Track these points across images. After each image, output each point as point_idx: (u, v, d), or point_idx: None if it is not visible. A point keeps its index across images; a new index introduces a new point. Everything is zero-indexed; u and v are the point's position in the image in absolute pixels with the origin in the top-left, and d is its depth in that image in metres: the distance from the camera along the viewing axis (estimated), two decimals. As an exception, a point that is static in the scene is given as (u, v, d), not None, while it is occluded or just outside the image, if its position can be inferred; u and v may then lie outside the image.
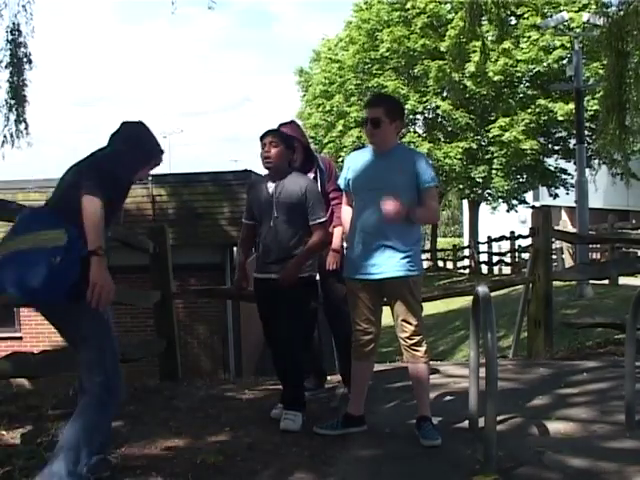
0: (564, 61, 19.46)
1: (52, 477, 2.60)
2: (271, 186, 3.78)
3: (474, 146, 21.88)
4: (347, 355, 3.97)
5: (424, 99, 22.15)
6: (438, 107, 22.01)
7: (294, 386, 3.78)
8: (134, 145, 2.89)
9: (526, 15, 20.82)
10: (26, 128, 10.76)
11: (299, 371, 3.82)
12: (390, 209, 3.29)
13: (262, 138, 3.80)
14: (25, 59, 10.47)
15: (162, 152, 3.01)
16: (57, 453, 2.65)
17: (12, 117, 10.65)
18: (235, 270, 4.18)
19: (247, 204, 3.99)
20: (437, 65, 21.15)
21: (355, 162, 3.60)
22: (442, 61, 21.20)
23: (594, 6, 18.20)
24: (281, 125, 4.09)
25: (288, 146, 3.81)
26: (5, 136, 10.68)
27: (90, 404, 2.71)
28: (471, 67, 20.39)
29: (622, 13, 8.17)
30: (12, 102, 10.54)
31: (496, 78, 20.72)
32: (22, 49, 10.45)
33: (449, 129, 22.70)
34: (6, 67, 10.36)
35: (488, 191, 23.57)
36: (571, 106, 17.77)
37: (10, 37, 10.33)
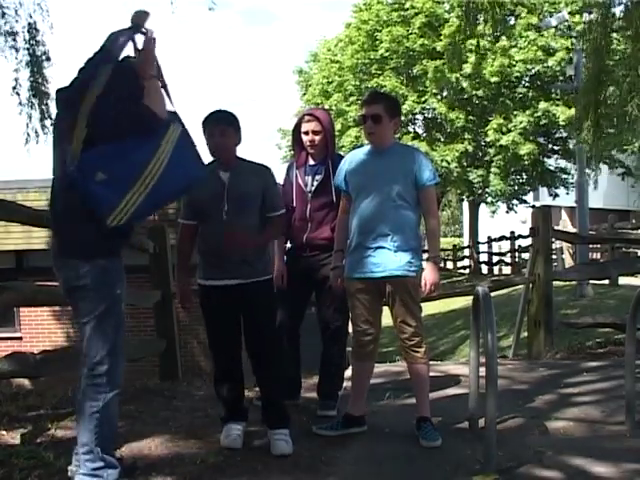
0: (566, 63, 19.41)
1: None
2: (224, 175, 3.31)
3: (470, 148, 21.86)
4: (328, 376, 3.95)
5: (423, 99, 22.15)
6: (434, 109, 22.00)
7: (280, 401, 3.42)
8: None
9: (523, 15, 20.81)
10: (52, 124, 10.79)
11: (283, 384, 3.51)
12: (431, 288, 3.39)
13: (206, 123, 3.32)
14: (44, 57, 10.47)
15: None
16: (79, 459, 2.71)
17: (35, 115, 10.65)
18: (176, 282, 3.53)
19: (186, 199, 3.39)
20: (434, 65, 21.16)
21: (353, 161, 3.59)
22: (440, 61, 21.21)
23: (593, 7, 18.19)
24: (312, 109, 4.01)
25: (237, 130, 3.35)
26: (28, 134, 10.69)
27: (88, 382, 2.70)
28: (468, 68, 20.40)
29: (604, 14, 8.16)
30: (34, 100, 10.54)
31: (493, 79, 20.69)
32: (40, 47, 10.46)
33: (448, 130, 22.70)
34: (26, 65, 10.37)
35: (487, 191, 23.56)
36: (573, 110, 17.71)
37: (28, 36, 10.33)
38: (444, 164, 21.35)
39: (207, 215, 3.31)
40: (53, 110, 10.65)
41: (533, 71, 21.45)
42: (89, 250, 2.66)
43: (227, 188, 3.27)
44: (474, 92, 21.34)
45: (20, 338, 11.14)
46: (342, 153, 4.14)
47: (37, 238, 9.60)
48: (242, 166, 3.37)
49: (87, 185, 2.50)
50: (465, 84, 21.23)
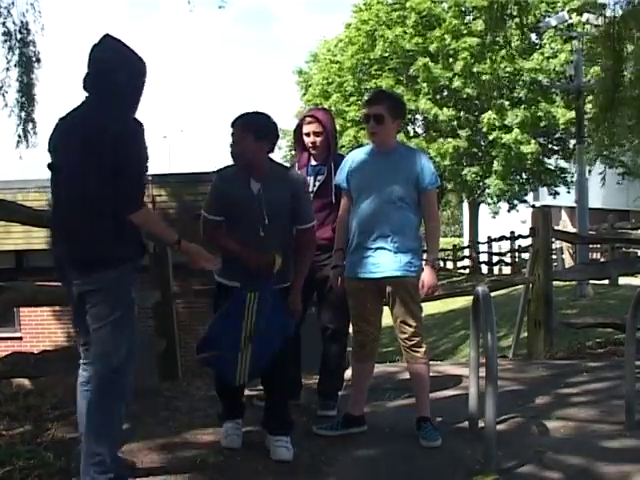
0: (567, 65, 19.42)
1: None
2: (255, 186, 3.20)
3: (462, 145, 21.80)
4: (328, 376, 3.94)
5: (419, 98, 22.13)
6: (418, 108, 21.96)
7: (283, 407, 3.36)
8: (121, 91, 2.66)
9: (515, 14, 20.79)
10: (34, 127, 10.73)
11: (288, 390, 3.47)
12: (429, 289, 3.41)
13: (232, 127, 3.21)
14: (34, 58, 10.43)
15: (144, 64, 2.74)
16: (84, 458, 2.64)
17: (24, 116, 10.61)
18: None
19: (214, 196, 3.26)
20: (423, 63, 21.13)
21: (355, 161, 3.59)
22: (435, 64, 21.21)
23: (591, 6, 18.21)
24: (313, 110, 4.01)
25: (259, 137, 3.14)
26: (20, 135, 10.65)
27: (100, 389, 2.66)
28: (459, 65, 20.42)
29: (620, 14, 8.15)
30: (23, 101, 10.51)
31: (484, 77, 20.67)
32: (31, 48, 10.40)
33: (442, 129, 22.68)
34: (15, 66, 10.32)
35: (488, 192, 23.55)
36: (573, 113, 17.71)
37: (19, 36, 10.27)
38: (437, 159, 21.34)
39: (241, 221, 3.19)
40: (38, 115, 10.69)
41: (536, 76, 21.42)
42: (105, 257, 2.62)
43: (263, 202, 3.17)
44: (465, 89, 21.27)
45: (20, 338, 11.15)
46: (343, 153, 4.14)
47: (37, 238, 9.61)
48: (273, 175, 3.23)
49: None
50: (457, 82, 21.16)
